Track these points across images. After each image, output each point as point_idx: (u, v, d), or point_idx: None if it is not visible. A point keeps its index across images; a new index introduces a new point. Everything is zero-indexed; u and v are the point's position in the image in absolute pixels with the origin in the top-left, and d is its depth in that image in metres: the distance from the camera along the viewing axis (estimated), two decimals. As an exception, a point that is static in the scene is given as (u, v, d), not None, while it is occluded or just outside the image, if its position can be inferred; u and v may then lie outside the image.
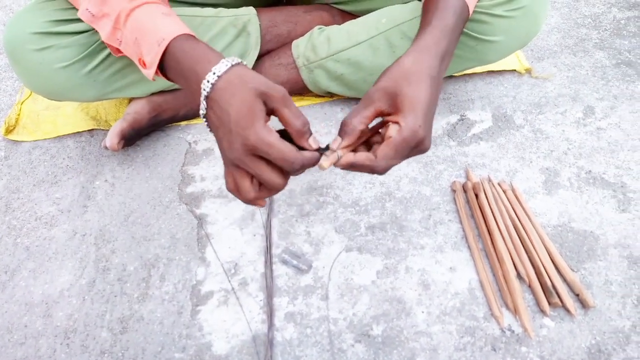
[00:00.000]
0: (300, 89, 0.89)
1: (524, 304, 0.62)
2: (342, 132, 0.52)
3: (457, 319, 0.62)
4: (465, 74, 0.96)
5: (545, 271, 0.64)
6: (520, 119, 0.87)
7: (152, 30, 0.56)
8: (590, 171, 0.78)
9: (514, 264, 0.65)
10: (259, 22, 0.84)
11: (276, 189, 0.52)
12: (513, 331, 0.60)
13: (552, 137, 0.84)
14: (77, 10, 0.70)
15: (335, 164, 0.52)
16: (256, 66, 0.87)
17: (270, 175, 0.50)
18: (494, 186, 0.75)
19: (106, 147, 0.79)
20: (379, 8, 0.82)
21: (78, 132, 0.90)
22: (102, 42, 0.72)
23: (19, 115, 0.94)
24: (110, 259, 0.71)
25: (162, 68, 0.58)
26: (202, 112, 0.52)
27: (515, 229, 0.69)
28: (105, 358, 0.61)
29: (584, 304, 0.62)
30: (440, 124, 0.87)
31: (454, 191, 0.76)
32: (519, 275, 0.64)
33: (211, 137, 0.88)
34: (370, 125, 0.54)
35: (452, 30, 0.57)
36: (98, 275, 0.69)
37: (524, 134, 0.85)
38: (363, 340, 0.60)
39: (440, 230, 0.71)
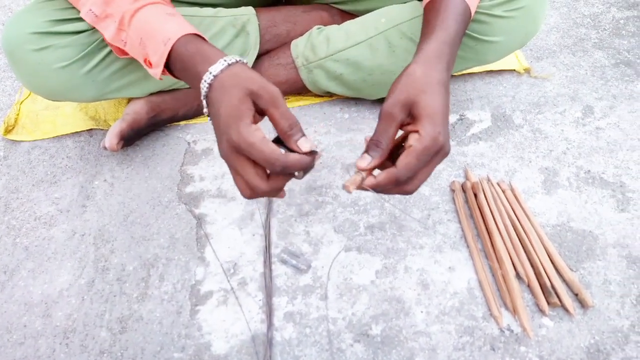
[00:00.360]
0: (299, 89, 0.89)
1: (523, 303, 0.62)
2: (370, 151, 0.52)
3: (456, 319, 0.62)
4: (464, 74, 0.96)
5: (544, 271, 0.64)
6: (520, 119, 0.88)
7: (158, 31, 0.57)
8: (589, 171, 0.78)
9: (513, 264, 0.65)
10: (258, 22, 0.84)
11: (256, 192, 0.51)
12: (512, 331, 0.60)
13: (551, 137, 0.84)
14: (76, 9, 0.70)
15: (361, 186, 0.51)
16: (255, 66, 0.87)
17: (250, 177, 0.50)
18: (493, 186, 0.75)
19: (105, 148, 0.79)
20: (378, 8, 0.82)
21: (77, 132, 0.90)
22: (101, 42, 0.72)
23: (18, 115, 0.94)
24: (109, 258, 0.71)
25: (169, 67, 0.59)
26: (204, 111, 0.53)
27: (514, 229, 0.69)
28: (105, 358, 0.61)
29: (582, 304, 0.62)
30: (439, 124, 0.87)
31: (453, 191, 0.76)
32: (518, 275, 0.64)
33: (210, 136, 0.88)
34: None
35: (456, 37, 0.57)
36: (97, 275, 0.69)
37: (523, 133, 0.85)
38: (362, 340, 0.60)
39: (440, 230, 0.71)
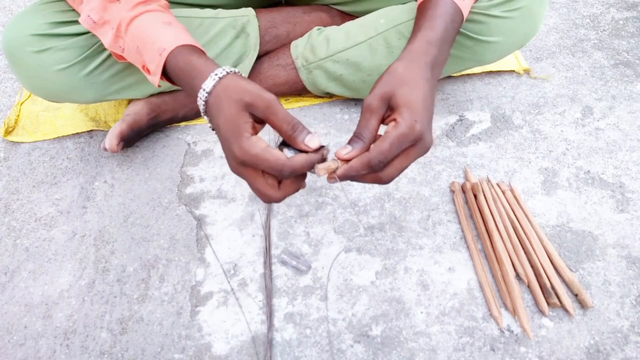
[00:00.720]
0: (299, 90, 0.90)
1: (523, 304, 0.62)
2: (352, 143, 0.51)
3: (456, 320, 0.62)
4: (463, 75, 0.96)
5: (544, 271, 0.64)
6: (519, 120, 0.88)
7: (153, 40, 0.58)
8: (588, 171, 0.78)
9: (512, 265, 0.65)
10: (258, 23, 0.85)
11: (272, 199, 0.51)
12: (512, 331, 0.60)
13: (551, 138, 0.84)
14: (76, 12, 0.70)
15: (333, 174, 0.50)
16: (255, 67, 0.87)
17: (261, 187, 0.50)
18: (492, 187, 0.75)
19: (105, 149, 0.79)
20: (378, 9, 0.82)
21: (77, 133, 0.90)
22: (101, 45, 0.73)
23: (18, 116, 0.94)
24: (109, 259, 0.71)
25: (167, 75, 0.59)
26: (208, 126, 0.55)
27: (514, 230, 0.69)
28: (105, 359, 0.61)
29: (582, 304, 0.62)
30: (439, 125, 0.87)
31: (452, 192, 0.76)
32: (517, 276, 0.65)
33: (210, 137, 0.88)
34: None
35: (444, 37, 0.57)
36: (97, 276, 0.69)
37: (523, 134, 0.85)
38: (362, 341, 0.61)
39: (439, 230, 0.71)
